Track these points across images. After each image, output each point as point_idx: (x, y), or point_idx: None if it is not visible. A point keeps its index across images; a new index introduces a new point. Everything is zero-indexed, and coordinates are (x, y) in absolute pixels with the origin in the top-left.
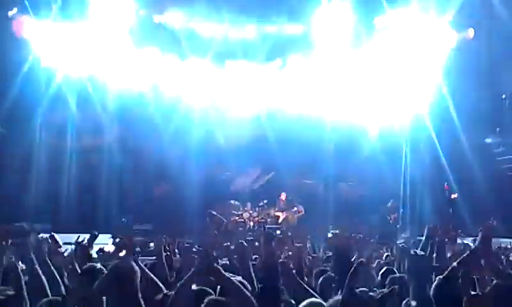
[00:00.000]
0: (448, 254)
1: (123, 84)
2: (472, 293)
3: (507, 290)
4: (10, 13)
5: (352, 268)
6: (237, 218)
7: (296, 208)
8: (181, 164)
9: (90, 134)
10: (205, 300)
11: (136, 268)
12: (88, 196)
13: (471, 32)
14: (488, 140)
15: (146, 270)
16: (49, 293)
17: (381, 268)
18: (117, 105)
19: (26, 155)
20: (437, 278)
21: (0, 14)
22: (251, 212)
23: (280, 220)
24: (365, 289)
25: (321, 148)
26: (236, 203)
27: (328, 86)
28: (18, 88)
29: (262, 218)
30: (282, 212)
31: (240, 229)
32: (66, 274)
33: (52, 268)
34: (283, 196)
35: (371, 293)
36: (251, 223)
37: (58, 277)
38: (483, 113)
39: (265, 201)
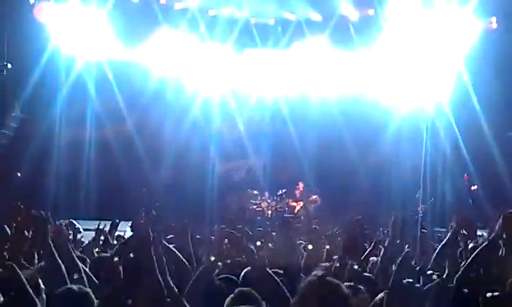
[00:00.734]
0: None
1: (143, 70)
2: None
3: None
4: (32, 0)
5: (399, 259)
6: (255, 207)
7: (312, 198)
8: (201, 152)
9: (110, 121)
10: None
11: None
12: (107, 183)
13: (494, 22)
14: (510, 133)
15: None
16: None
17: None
18: (137, 91)
19: (46, 141)
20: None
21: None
22: (269, 200)
23: (296, 210)
24: (411, 280)
25: (341, 136)
26: (254, 192)
27: (349, 71)
28: (39, 74)
29: (281, 207)
30: (299, 201)
31: (259, 218)
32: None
33: (73, 255)
34: (300, 186)
35: (417, 285)
36: (269, 212)
37: (79, 265)
38: (505, 104)
39: (283, 190)
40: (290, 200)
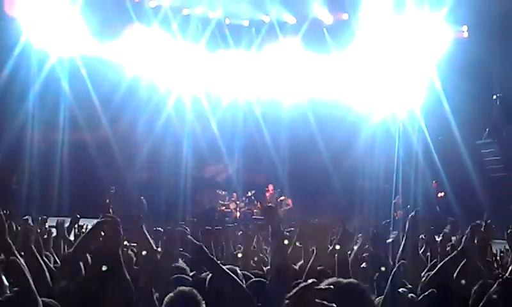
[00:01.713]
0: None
1: (116, 67)
2: None
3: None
4: None
5: (395, 268)
6: (224, 208)
7: (285, 200)
8: (174, 151)
9: (83, 118)
10: None
11: None
12: (80, 181)
13: (465, 30)
14: (479, 141)
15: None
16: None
17: None
18: (110, 88)
19: (17, 138)
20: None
21: None
22: (238, 202)
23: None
24: (404, 289)
25: (314, 139)
26: (223, 192)
27: (323, 74)
28: (10, 69)
29: (249, 209)
30: (268, 204)
31: (227, 218)
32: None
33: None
34: (270, 188)
35: (411, 295)
36: (238, 213)
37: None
38: (475, 112)
39: (252, 192)
40: (259, 202)
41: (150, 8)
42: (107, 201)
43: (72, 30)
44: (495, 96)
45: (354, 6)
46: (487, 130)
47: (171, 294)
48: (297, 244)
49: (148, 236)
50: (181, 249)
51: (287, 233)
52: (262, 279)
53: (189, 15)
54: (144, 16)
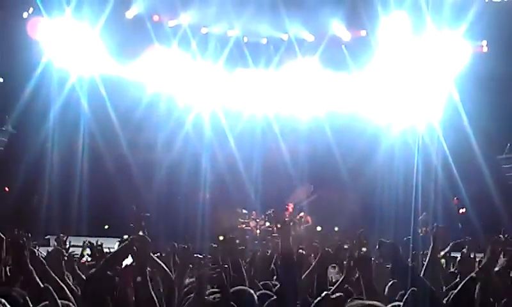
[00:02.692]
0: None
1: (136, 86)
2: None
3: None
4: (25, 14)
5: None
6: (244, 226)
7: (302, 218)
8: (192, 169)
9: (102, 136)
10: None
11: None
12: (100, 200)
13: (485, 45)
14: (500, 156)
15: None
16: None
17: None
18: (130, 107)
19: (38, 157)
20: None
21: (15, 14)
22: (258, 220)
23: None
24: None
25: (332, 153)
26: (243, 210)
27: (341, 90)
28: (32, 89)
29: (269, 226)
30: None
31: (247, 237)
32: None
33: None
34: (290, 206)
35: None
36: (258, 231)
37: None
38: (495, 127)
39: (272, 210)
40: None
41: (169, 28)
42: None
43: (92, 51)
44: None
45: (372, 23)
46: (508, 145)
47: None
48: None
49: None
50: None
51: (303, 251)
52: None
53: (207, 34)
54: (164, 36)
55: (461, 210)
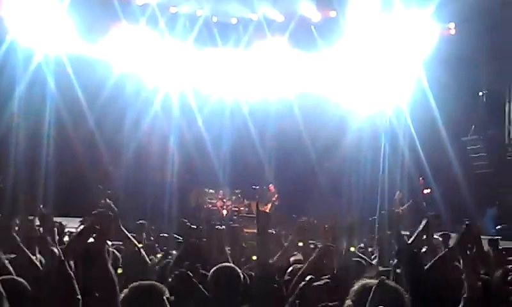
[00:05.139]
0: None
1: (103, 65)
2: None
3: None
4: None
5: None
6: (210, 206)
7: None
8: (160, 149)
9: (69, 116)
10: None
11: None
12: (67, 180)
13: (452, 27)
14: (465, 138)
15: None
16: None
17: None
18: (97, 86)
19: (3, 137)
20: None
21: None
22: (224, 200)
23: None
24: None
25: (301, 136)
26: (210, 190)
27: (310, 72)
28: None
29: (236, 207)
30: (268, 203)
31: (213, 217)
32: None
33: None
34: (271, 187)
35: None
36: (224, 211)
37: None
38: (461, 109)
39: (239, 190)
40: (246, 200)
41: (137, 6)
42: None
43: (59, 28)
44: (481, 93)
45: (342, 4)
46: (473, 127)
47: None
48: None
49: (129, 235)
50: None
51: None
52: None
53: (176, 13)
54: (132, 14)
55: (425, 191)
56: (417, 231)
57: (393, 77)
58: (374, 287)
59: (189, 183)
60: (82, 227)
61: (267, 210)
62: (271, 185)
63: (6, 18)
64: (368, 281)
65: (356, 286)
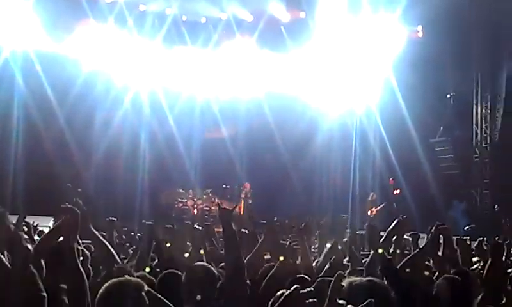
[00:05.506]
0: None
1: (72, 63)
2: None
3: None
4: None
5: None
6: (181, 205)
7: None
8: (131, 148)
9: (38, 113)
10: None
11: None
12: (36, 178)
13: (420, 30)
14: (433, 139)
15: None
16: None
17: None
18: (66, 83)
19: None
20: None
21: None
22: (195, 199)
23: (241, 210)
24: None
25: (272, 135)
26: (181, 190)
27: (280, 72)
28: None
29: (207, 206)
30: (241, 202)
31: (184, 216)
32: None
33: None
34: (247, 186)
35: None
36: (195, 211)
37: None
38: (429, 110)
39: (210, 189)
40: (217, 199)
41: (105, 4)
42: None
43: (25, 24)
44: (448, 95)
45: (311, 5)
46: (441, 128)
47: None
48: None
49: (99, 236)
50: None
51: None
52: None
53: (145, 11)
54: (99, 12)
55: (395, 191)
56: (387, 231)
57: (362, 78)
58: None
59: (160, 182)
60: (52, 225)
61: (241, 209)
62: (246, 183)
63: None
64: (354, 278)
65: (344, 285)
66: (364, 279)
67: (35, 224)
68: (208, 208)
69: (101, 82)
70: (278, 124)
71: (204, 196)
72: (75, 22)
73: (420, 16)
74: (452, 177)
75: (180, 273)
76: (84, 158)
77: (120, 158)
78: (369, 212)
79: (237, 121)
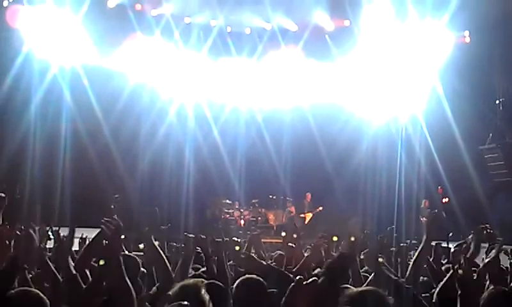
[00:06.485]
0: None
1: (118, 76)
2: None
3: None
4: (5, 3)
5: None
6: (228, 216)
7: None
8: (175, 159)
9: (85, 127)
10: None
11: None
12: (83, 191)
13: (467, 35)
14: (482, 146)
15: None
16: None
17: None
18: (112, 97)
19: (19, 148)
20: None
21: None
22: (242, 210)
23: (306, 221)
24: None
25: (316, 144)
26: (227, 200)
27: (325, 81)
28: (12, 79)
29: (253, 217)
30: (308, 212)
31: (232, 227)
32: None
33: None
34: (308, 197)
35: None
36: (242, 222)
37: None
38: (477, 117)
39: (256, 200)
40: (263, 209)
41: (151, 17)
42: (112, 207)
43: (74, 40)
44: (498, 101)
45: (355, 12)
46: (490, 135)
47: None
48: None
49: (159, 249)
50: None
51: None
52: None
53: (190, 24)
54: (146, 26)
55: (444, 200)
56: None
57: (408, 86)
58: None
59: (205, 193)
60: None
61: (308, 219)
62: (308, 194)
63: (22, 30)
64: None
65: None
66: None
67: (84, 237)
68: (254, 219)
69: (147, 94)
70: (322, 132)
71: (250, 207)
72: (122, 36)
73: (467, 22)
74: (503, 184)
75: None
76: (130, 170)
77: (165, 170)
78: (421, 220)
79: (281, 130)
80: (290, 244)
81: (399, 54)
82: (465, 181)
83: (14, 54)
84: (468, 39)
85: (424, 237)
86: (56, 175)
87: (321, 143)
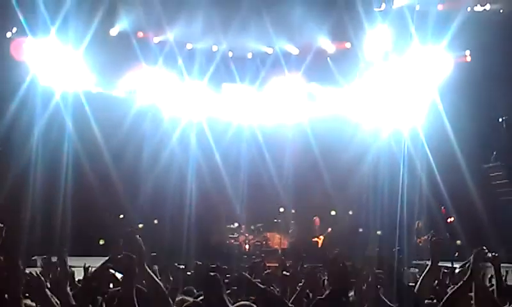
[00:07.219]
0: None
1: (121, 103)
2: None
3: None
4: (8, 34)
5: None
6: (233, 241)
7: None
8: (178, 182)
9: (87, 153)
10: None
11: None
12: (85, 217)
13: (468, 54)
14: (486, 165)
15: None
16: None
17: None
18: (114, 122)
19: (23, 175)
20: None
21: None
22: (246, 234)
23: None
24: None
25: (317, 163)
26: (232, 225)
27: (327, 101)
28: (16, 107)
29: (258, 241)
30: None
31: (236, 251)
32: None
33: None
34: (316, 221)
35: None
36: (247, 246)
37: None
38: (480, 136)
39: (261, 224)
40: (268, 233)
41: (154, 44)
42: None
43: (77, 69)
44: (501, 119)
45: (357, 35)
46: (494, 153)
47: None
48: None
49: (154, 277)
50: None
51: None
52: None
53: (192, 49)
54: (149, 52)
55: (448, 219)
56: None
57: (408, 103)
58: None
59: (207, 216)
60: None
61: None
62: (316, 217)
63: (27, 61)
64: None
65: None
66: None
67: (87, 266)
68: (259, 243)
69: (149, 120)
70: (323, 150)
71: (255, 231)
72: (126, 64)
73: (467, 42)
74: (505, 204)
75: None
76: (132, 195)
77: (168, 193)
78: (418, 241)
79: (283, 151)
80: (284, 273)
81: (400, 75)
82: (469, 201)
83: (19, 82)
84: (469, 58)
85: (429, 263)
86: (58, 202)
87: (322, 162)
